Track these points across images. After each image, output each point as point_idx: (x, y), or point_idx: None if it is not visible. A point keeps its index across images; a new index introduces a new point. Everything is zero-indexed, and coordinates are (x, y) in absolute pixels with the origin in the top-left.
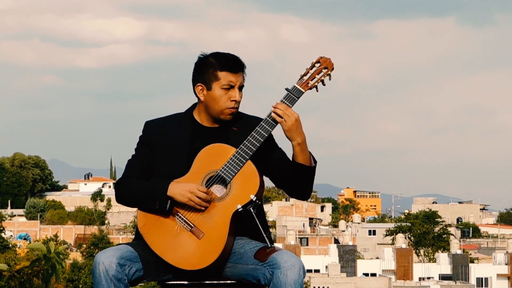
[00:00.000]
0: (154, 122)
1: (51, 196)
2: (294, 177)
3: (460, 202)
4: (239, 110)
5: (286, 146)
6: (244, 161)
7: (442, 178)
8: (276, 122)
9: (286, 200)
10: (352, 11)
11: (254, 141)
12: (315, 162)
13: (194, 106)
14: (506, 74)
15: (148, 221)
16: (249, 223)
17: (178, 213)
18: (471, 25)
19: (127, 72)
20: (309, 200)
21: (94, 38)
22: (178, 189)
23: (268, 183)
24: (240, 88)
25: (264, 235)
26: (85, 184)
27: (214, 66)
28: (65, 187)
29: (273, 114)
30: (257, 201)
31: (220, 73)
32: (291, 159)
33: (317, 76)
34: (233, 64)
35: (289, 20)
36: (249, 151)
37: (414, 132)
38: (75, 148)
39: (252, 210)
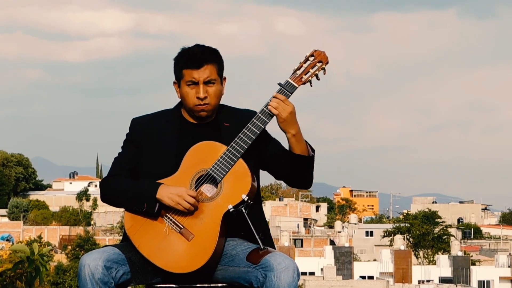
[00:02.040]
0: (141, 119)
1: (34, 195)
2: (293, 168)
3: (461, 202)
4: (231, 105)
5: (281, 137)
6: (235, 159)
7: (442, 177)
8: (270, 117)
9: (279, 200)
10: (350, 3)
11: (246, 139)
12: (313, 150)
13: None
14: (509, 68)
15: (135, 222)
16: (241, 223)
17: (167, 214)
18: (473, 17)
19: (115, 66)
20: (303, 200)
21: (80, 31)
22: (167, 192)
23: (261, 181)
24: (209, 82)
25: (257, 236)
26: (70, 183)
27: (179, 64)
28: (49, 186)
29: (269, 107)
30: (249, 201)
31: (184, 70)
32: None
33: (311, 70)
34: (193, 59)
35: (284, 12)
36: (240, 149)
37: (414, 128)
38: (60, 146)
39: (244, 211)
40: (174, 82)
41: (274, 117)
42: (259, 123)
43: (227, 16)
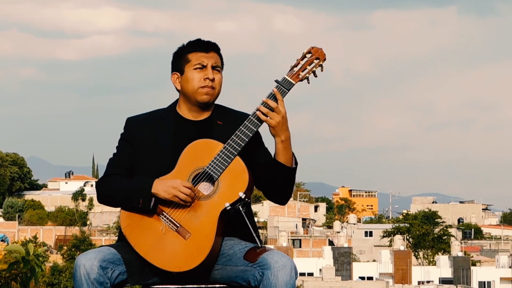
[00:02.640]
0: (136, 118)
1: (30, 195)
2: (273, 177)
3: (461, 202)
4: (227, 106)
5: (272, 145)
6: (232, 157)
7: (442, 177)
8: (261, 121)
9: None
10: (349, 0)
11: (243, 136)
12: (296, 164)
13: (177, 101)
14: (510, 66)
15: (131, 221)
16: (238, 222)
17: (163, 213)
18: (473, 15)
19: (111, 64)
20: (302, 199)
21: (76, 29)
22: (162, 185)
23: None
24: (215, 68)
25: (254, 235)
26: (66, 182)
27: (184, 51)
28: (44, 186)
29: (258, 113)
30: (246, 199)
31: (190, 54)
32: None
33: (308, 67)
34: (202, 44)
35: (282, 10)
36: (237, 147)
37: (413, 127)
38: (55, 145)
39: (241, 209)
40: (174, 74)
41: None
42: (256, 121)
43: (225, 14)
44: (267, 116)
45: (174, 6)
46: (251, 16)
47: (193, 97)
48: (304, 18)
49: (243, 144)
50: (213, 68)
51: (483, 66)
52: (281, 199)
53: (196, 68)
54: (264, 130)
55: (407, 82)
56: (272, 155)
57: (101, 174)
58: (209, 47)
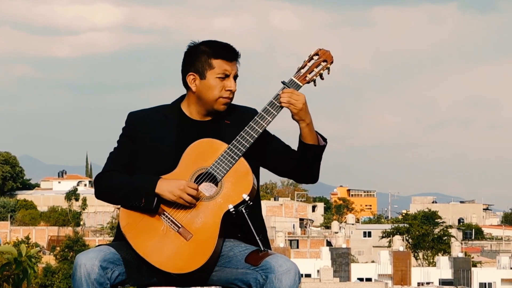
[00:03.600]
0: (139, 114)
1: (22, 195)
2: (303, 160)
3: (461, 202)
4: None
5: (279, 134)
6: (237, 158)
7: (442, 176)
8: (279, 109)
9: (274, 200)
10: None
11: (247, 137)
12: (325, 140)
13: (181, 98)
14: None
15: (131, 220)
16: (241, 224)
17: (165, 212)
18: (474, 11)
19: (105, 62)
20: (299, 199)
21: (70, 25)
22: (167, 186)
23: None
24: (235, 77)
25: (257, 238)
26: (59, 182)
27: (207, 54)
28: (37, 185)
29: (281, 99)
30: (250, 201)
31: (215, 61)
32: (297, 142)
33: (316, 70)
34: (228, 52)
35: (280, 6)
36: (242, 147)
37: (413, 126)
38: (48, 144)
39: (244, 211)
40: (191, 74)
41: (282, 111)
42: (262, 121)
43: (221, 10)
44: (290, 103)
45: (170, 2)
46: (248, 13)
47: (210, 104)
48: (301, 14)
49: (247, 145)
50: (234, 78)
51: (484, 63)
52: (314, 177)
53: (219, 77)
54: (271, 126)
55: (407, 80)
56: (284, 143)
57: (95, 174)
58: (235, 56)
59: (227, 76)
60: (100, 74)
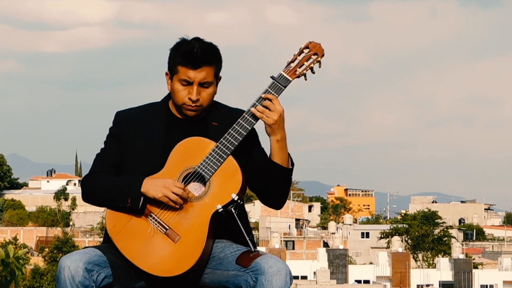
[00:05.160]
0: (126, 113)
1: (9, 194)
2: (268, 178)
3: (462, 202)
4: (219, 100)
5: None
6: (225, 156)
7: (442, 175)
8: (256, 119)
9: None
10: None
11: (236, 135)
12: (293, 164)
13: (170, 95)
14: None
15: (118, 222)
16: (230, 224)
17: (152, 214)
18: (475, 5)
19: (96, 57)
20: (295, 199)
21: (60, 20)
22: (152, 184)
23: None
24: (203, 84)
25: (247, 238)
26: (48, 181)
27: (175, 58)
28: (25, 184)
29: (253, 110)
30: (239, 200)
31: (180, 67)
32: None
33: (306, 63)
34: (192, 58)
35: (276, 0)
36: (230, 146)
37: (413, 124)
38: (37, 142)
39: (233, 211)
40: (166, 73)
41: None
42: (250, 119)
43: (216, 4)
44: (263, 114)
45: None
46: (243, 7)
47: (178, 109)
48: (298, 8)
49: (236, 143)
50: (201, 84)
51: (486, 59)
52: (277, 202)
53: (182, 84)
54: (259, 128)
55: (406, 76)
56: (267, 156)
57: (84, 173)
58: (201, 62)
59: (189, 83)
60: (90, 70)
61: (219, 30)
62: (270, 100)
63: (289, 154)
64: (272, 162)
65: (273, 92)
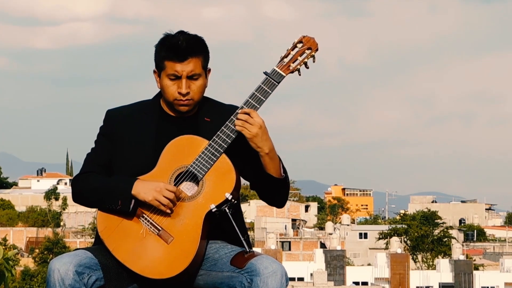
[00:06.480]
0: (117, 111)
1: None
2: (265, 188)
3: (463, 201)
4: (214, 96)
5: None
6: (218, 155)
7: (442, 174)
8: (257, 107)
9: None
10: None
11: (229, 132)
12: (285, 171)
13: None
14: None
15: (109, 224)
16: (225, 224)
17: (144, 215)
18: (476, 0)
19: (88, 53)
20: (291, 199)
21: (51, 15)
22: (144, 187)
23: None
24: (192, 77)
25: (242, 239)
26: (38, 180)
27: (160, 53)
28: (15, 184)
29: (236, 127)
30: (233, 200)
31: (166, 62)
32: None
33: (300, 58)
34: (177, 51)
35: None
36: (223, 144)
37: (412, 121)
38: (26, 140)
39: (227, 210)
40: (154, 71)
41: None
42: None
43: None
44: (243, 127)
45: None
46: (238, 2)
47: (170, 105)
48: (295, 3)
49: (229, 141)
50: (190, 77)
51: (487, 55)
52: (278, 203)
53: (171, 79)
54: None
55: (406, 73)
56: None
57: (76, 172)
58: (186, 53)
59: (177, 78)
60: (82, 67)
61: (214, 26)
62: (248, 114)
63: (280, 160)
64: (267, 174)
65: (253, 103)
